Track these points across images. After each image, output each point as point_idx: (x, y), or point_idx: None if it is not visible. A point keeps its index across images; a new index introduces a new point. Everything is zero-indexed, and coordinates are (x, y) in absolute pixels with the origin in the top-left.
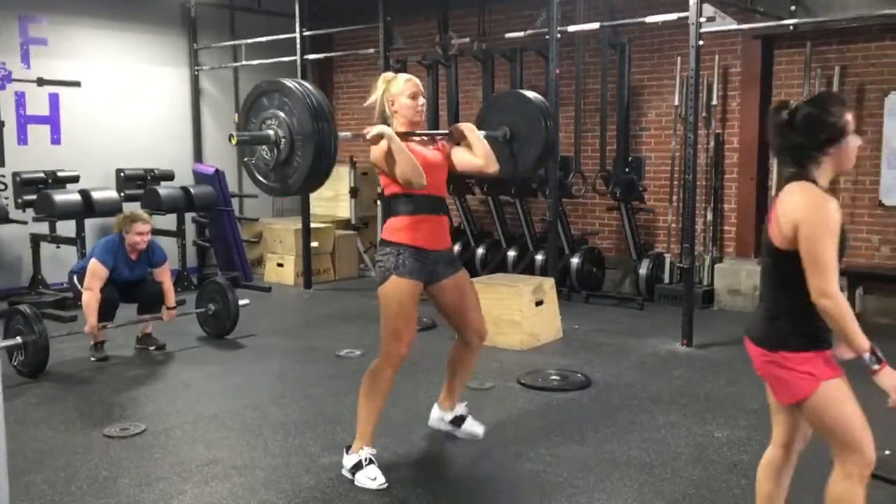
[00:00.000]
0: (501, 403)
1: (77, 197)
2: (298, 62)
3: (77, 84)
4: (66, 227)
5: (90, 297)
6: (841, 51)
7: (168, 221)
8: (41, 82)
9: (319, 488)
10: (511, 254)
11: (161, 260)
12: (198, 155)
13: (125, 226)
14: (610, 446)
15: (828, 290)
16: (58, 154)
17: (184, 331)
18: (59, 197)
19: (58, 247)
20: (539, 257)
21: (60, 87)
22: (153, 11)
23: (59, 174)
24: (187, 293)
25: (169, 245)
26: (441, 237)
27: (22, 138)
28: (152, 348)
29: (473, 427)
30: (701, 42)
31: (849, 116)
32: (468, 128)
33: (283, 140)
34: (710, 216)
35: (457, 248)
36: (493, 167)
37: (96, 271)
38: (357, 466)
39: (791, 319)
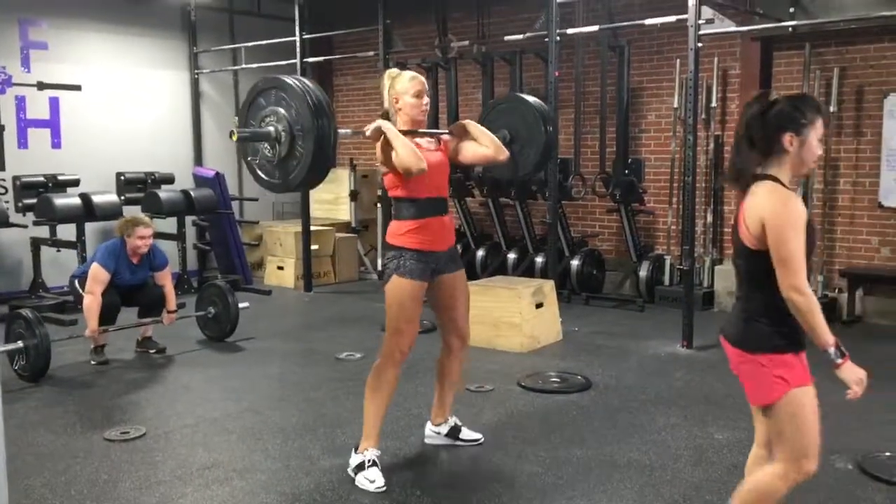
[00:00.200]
0: (501, 406)
1: (77, 201)
2: (298, 65)
3: (77, 88)
4: (67, 231)
5: (91, 301)
6: (840, 52)
7: (168, 225)
8: (41, 86)
9: (319, 491)
10: (511, 256)
11: (162, 263)
12: (198, 158)
13: (127, 230)
14: (610, 448)
15: (798, 285)
16: (58, 158)
17: (184, 334)
18: (60, 201)
19: (58, 250)
20: (539, 259)
21: (61, 90)
22: (153, 15)
23: (60, 178)
24: (187, 296)
25: (169, 248)
26: (444, 238)
27: (22, 142)
28: (152, 352)
29: (471, 434)
30: (700, 44)
31: (819, 122)
32: (469, 123)
33: (283, 136)
34: (709, 218)
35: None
36: (502, 154)
37: (98, 275)
38: (360, 467)
39: (768, 320)
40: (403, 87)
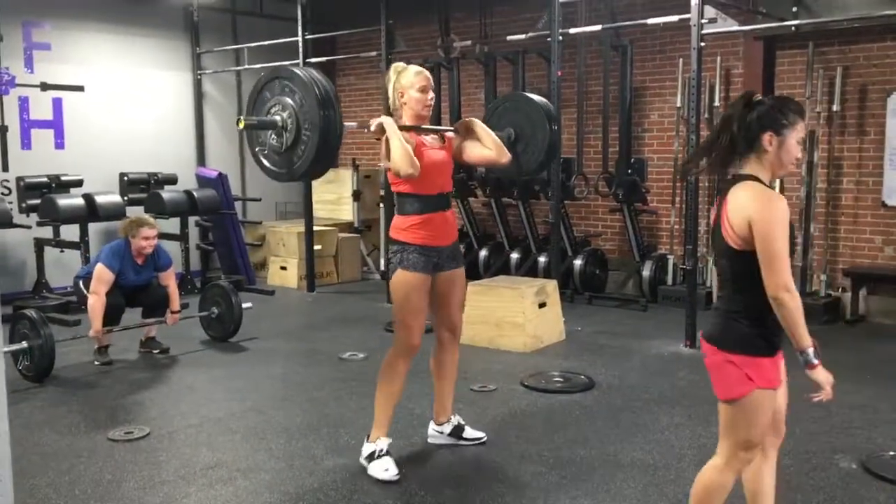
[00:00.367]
0: (505, 405)
1: (81, 201)
2: (301, 65)
3: (80, 88)
4: (70, 232)
5: (96, 302)
6: (843, 51)
7: (171, 225)
8: (45, 87)
9: (323, 491)
10: (514, 256)
11: (166, 264)
12: (201, 159)
13: (131, 230)
14: (613, 448)
15: (786, 283)
16: (61, 158)
17: (187, 334)
18: (63, 201)
19: (61, 251)
20: (542, 259)
21: (64, 91)
22: (156, 16)
23: (63, 178)
24: (190, 296)
25: (172, 249)
26: (447, 233)
27: (26, 143)
28: (156, 352)
29: (474, 433)
30: (703, 43)
31: (800, 125)
32: (474, 122)
33: (289, 124)
34: (712, 217)
35: (461, 249)
36: (504, 157)
37: (102, 276)
38: (371, 456)
39: (748, 321)
40: (409, 81)
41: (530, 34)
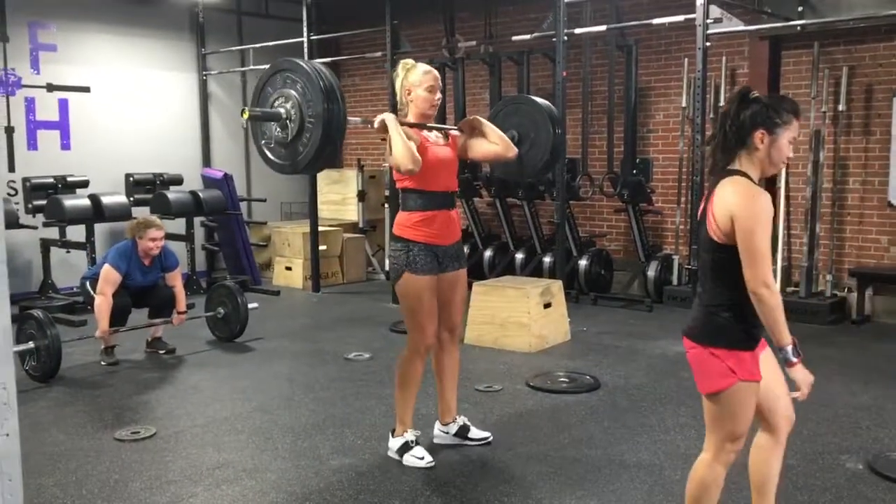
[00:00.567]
0: (510, 406)
1: (86, 202)
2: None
3: (86, 89)
4: (76, 232)
5: (102, 302)
6: (849, 51)
7: (177, 226)
8: (51, 88)
9: (329, 491)
10: (519, 256)
11: (173, 265)
12: (206, 159)
13: (139, 232)
14: (619, 448)
15: (766, 279)
16: (67, 159)
17: (193, 334)
18: (69, 202)
19: (68, 252)
20: (547, 259)
21: (70, 92)
22: (161, 17)
23: (69, 179)
24: (196, 297)
25: (178, 249)
26: (451, 232)
27: (32, 144)
28: (162, 352)
29: (480, 433)
30: (708, 43)
31: (794, 124)
32: (478, 120)
33: (293, 115)
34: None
35: (465, 250)
36: (511, 151)
37: (109, 276)
38: (404, 448)
39: (730, 314)
40: (417, 79)
41: (535, 34)
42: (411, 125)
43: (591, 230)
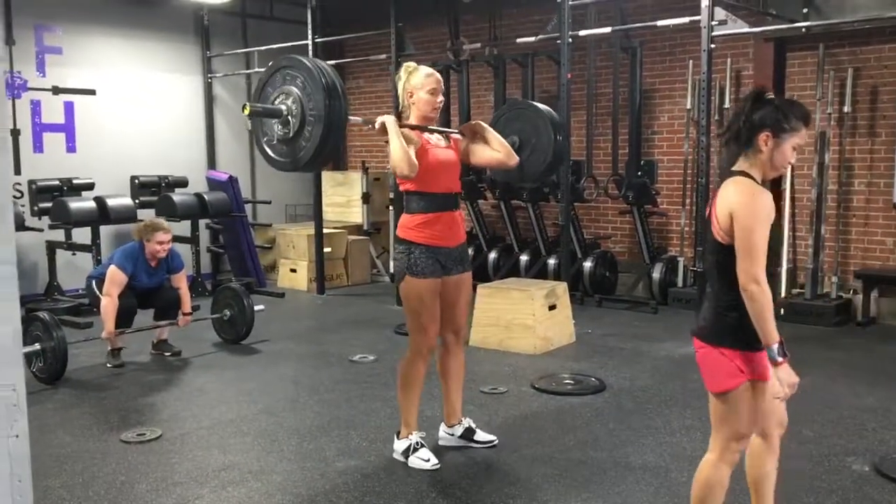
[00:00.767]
0: (515, 408)
1: (92, 204)
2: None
3: (92, 92)
4: (82, 235)
5: (108, 304)
6: (854, 53)
7: (182, 228)
8: (56, 91)
9: (335, 492)
10: (523, 258)
11: (179, 266)
12: (211, 162)
13: (146, 234)
14: (625, 450)
15: (757, 276)
16: (73, 162)
17: (199, 336)
18: (75, 204)
19: (73, 254)
20: (551, 261)
21: (75, 95)
22: (166, 19)
23: (75, 182)
24: (201, 299)
25: (183, 251)
26: (454, 234)
27: (37, 146)
28: (168, 354)
29: (485, 436)
30: (713, 45)
31: (802, 131)
32: (480, 125)
33: (294, 111)
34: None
35: (469, 252)
36: (513, 159)
37: (115, 278)
38: (409, 450)
39: (738, 314)
40: (419, 82)
41: (540, 36)
42: (413, 127)
43: (595, 232)
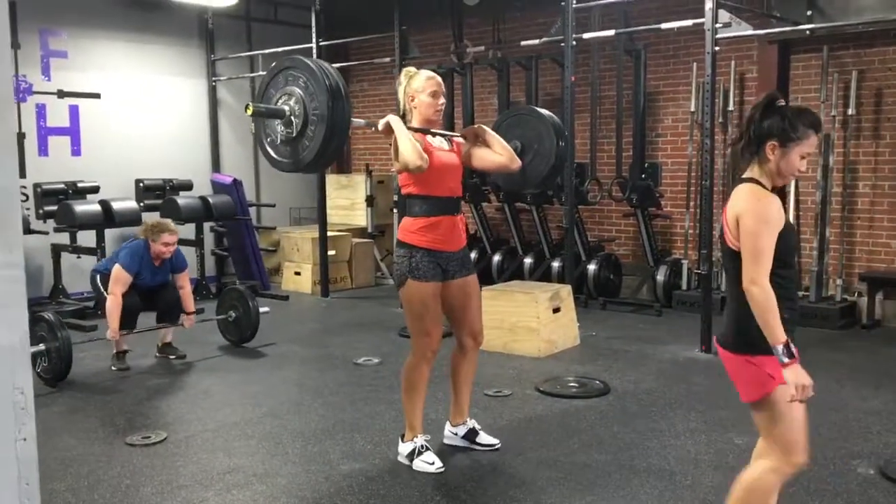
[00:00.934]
0: (520, 410)
1: (97, 207)
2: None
3: (97, 96)
4: (87, 238)
5: (112, 303)
6: (858, 55)
7: (187, 231)
8: (61, 94)
9: (340, 496)
10: (527, 261)
11: (183, 266)
12: (215, 165)
13: (153, 235)
14: (629, 453)
15: (758, 279)
16: (78, 165)
17: (204, 339)
18: (80, 207)
19: (78, 257)
20: (555, 264)
21: (80, 98)
22: (171, 23)
23: (80, 185)
24: (206, 301)
25: (188, 254)
26: (455, 238)
27: (43, 150)
28: (173, 357)
29: (489, 438)
30: (717, 48)
31: (811, 139)
32: (482, 128)
33: (297, 111)
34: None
35: (473, 255)
36: (515, 163)
37: (120, 276)
38: (413, 453)
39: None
40: (420, 85)
41: (544, 39)
42: (416, 130)
43: (599, 235)
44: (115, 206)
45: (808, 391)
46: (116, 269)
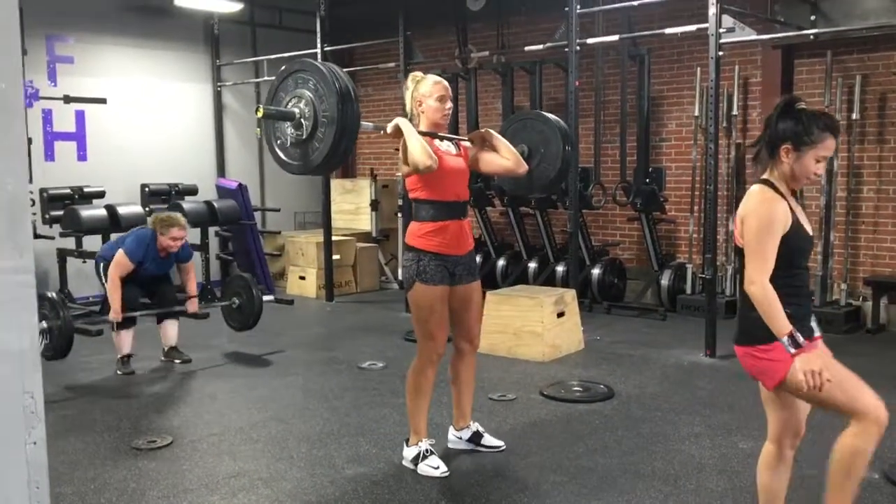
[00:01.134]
0: (524, 415)
1: (103, 212)
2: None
3: (103, 101)
4: (93, 243)
5: (112, 286)
6: (862, 59)
7: (192, 235)
8: (67, 100)
9: (345, 500)
10: (532, 265)
11: (188, 256)
12: (221, 170)
13: (162, 228)
14: (633, 458)
15: (757, 278)
16: (84, 170)
17: (208, 344)
18: (86, 212)
19: (84, 262)
20: (560, 269)
21: (86, 104)
22: (176, 29)
23: (86, 190)
24: (211, 306)
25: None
26: (462, 242)
27: (49, 155)
28: (178, 362)
29: (493, 440)
30: (721, 53)
31: (827, 142)
32: (489, 133)
33: (307, 114)
34: (731, 226)
35: (477, 259)
36: (522, 167)
37: (121, 262)
38: (418, 457)
39: (756, 312)
40: (427, 90)
41: (548, 44)
42: (423, 134)
43: (604, 239)
44: (121, 210)
45: (818, 377)
46: (119, 255)
